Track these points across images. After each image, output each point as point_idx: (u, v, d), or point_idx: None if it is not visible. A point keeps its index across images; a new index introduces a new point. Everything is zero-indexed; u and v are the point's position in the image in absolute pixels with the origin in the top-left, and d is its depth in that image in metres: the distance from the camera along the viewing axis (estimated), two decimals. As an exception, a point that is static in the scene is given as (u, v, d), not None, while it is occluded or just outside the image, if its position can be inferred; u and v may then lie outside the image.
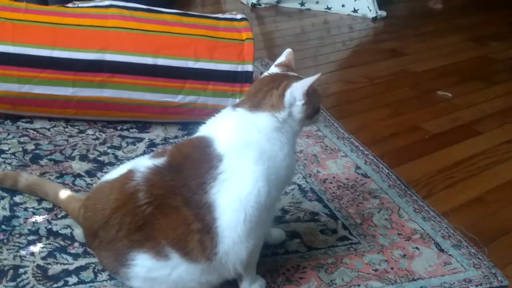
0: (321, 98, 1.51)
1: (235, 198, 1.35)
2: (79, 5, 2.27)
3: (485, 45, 3.49)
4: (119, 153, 2.08)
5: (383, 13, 3.79)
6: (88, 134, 2.18)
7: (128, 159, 2.01)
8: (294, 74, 1.48)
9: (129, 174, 1.41)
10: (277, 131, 1.41)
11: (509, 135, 2.47)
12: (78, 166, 1.98)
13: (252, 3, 3.78)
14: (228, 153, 1.37)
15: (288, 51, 1.57)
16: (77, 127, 2.21)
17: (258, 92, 1.43)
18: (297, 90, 1.38)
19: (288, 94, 1.39)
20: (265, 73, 1.51)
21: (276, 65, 1.53)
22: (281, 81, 1.42)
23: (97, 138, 2.15)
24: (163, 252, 1.36)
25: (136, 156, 2.05)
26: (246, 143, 1.39)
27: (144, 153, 2.09)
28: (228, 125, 1.44)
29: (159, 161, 1.41)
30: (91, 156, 2.04)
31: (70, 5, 2.28)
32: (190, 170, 1.37)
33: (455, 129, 2.50)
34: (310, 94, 1.39)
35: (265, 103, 1.41)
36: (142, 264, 1.37)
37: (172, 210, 1.36)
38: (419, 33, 3.62)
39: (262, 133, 1.40)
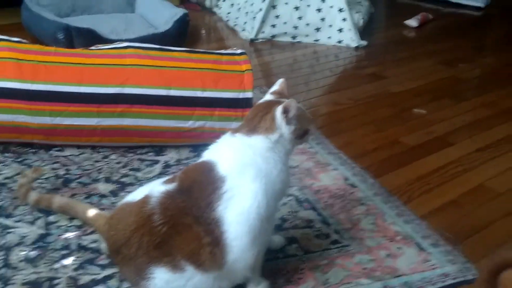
0: (310, 121, 1.51)
1: (239, 212, 1.34)
2: (101, 47, 2.28)
3: (453, 67, 3.47)
4: (139, 174, 2.07)
5: (364, 42, 3.78)
6: (111, 158, 2.17)
7: (147, 179, 2.01)
8: (286, 100, 1.47)
9: (145, 199, 1.41)
10: (271, 151, 1.41)
11: (477, 145, 2.44)
12: (103, 187, 1.98)
13: (250, 38, 3.79)
14: (229, 174, 1.37)
15: (280, 80, 1.57)
16: (102, 153, 2.20)
17: (255, 117, 1.44)
18: (277, 112, 1.39)
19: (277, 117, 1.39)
20: (260, 100, 1.51)
21: (271, 93, 1.54)
22: (274, 106, 1.42)
23: (119, 162, 2.15)
24: (179, 265, 1.35)
25: (154, 177, 2.04)
26: (244, 164, 1.39)
27: (160, 173, 2.08)
28: (228, 150, 1.44)
29: (170, 186, 1.41)
30: (115, 178, 2.03)
31: (93, 47, 2.29)
32: (198, 192, 1.37)
33: (430, 142, 2.47)
34: (296, 117, 1.40)
35: (260, 127, 1.41)
36: (161, 277, 1.36)
37: (185, 228, 1.35)
38: (396, 59, 3.61)
39: (257, 154, 1.40)
